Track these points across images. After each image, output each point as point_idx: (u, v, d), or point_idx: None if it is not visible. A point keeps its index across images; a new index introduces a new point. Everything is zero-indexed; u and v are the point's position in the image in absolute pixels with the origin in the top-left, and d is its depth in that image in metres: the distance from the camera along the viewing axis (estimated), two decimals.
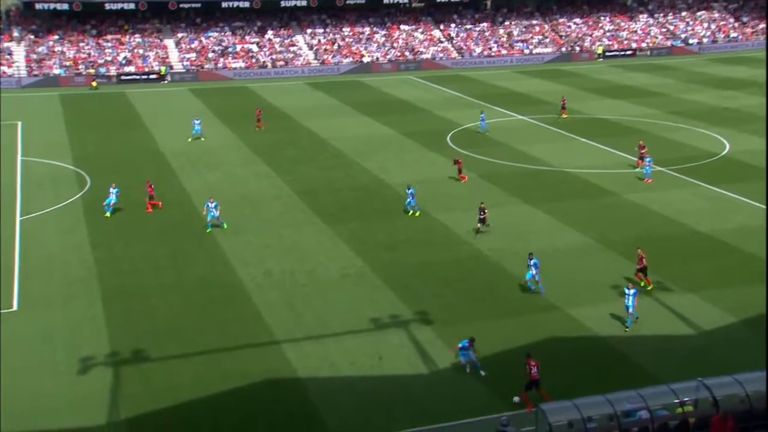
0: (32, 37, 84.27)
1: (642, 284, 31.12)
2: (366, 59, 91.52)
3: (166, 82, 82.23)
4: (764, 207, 39.61)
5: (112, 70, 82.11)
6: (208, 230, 37.35)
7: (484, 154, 51.52)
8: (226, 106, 68.74)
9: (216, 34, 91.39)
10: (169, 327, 28.51)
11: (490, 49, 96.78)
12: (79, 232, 37.66)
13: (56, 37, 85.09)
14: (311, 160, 51.25)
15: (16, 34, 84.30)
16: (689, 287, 31.43)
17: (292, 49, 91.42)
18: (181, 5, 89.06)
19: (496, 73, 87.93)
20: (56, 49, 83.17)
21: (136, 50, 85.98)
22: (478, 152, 52.09)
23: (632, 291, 27.88)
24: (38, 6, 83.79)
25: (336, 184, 45.77)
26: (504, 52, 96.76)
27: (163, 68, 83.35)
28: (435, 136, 56.67)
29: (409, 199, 39.94)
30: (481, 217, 36.94)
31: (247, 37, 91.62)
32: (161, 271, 33.34)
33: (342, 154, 52.23)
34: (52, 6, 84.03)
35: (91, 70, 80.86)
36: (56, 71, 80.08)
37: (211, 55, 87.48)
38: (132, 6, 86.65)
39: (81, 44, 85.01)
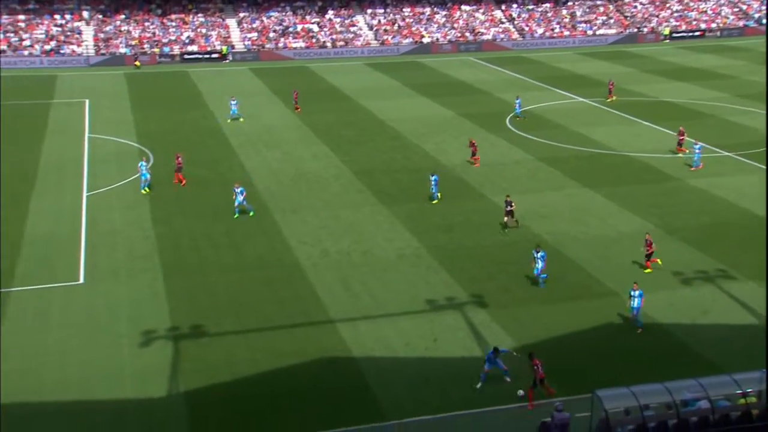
0: (100, 16, 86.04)
1: (647, 271, 30.84)
2: (426, 40, 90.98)
3: (227, 61, 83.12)
4: None
5: (176, 49, 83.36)
6: (235, 216, 36.87)
7: (543, 137, 50.83)
8: (285, 86, 69.17)
9: (277, 14, 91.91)
10: (227, 304, 28.97)
11: (553, 30, 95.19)
12: (142, 208, 38.47)
13: (123, 16, 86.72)
14: (369, 140, 51.29)
15: (85, 14, 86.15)
16: (753, 275, 30.57)
17: (352, 29, 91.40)
18: None
19: (557, 55, 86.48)
20: (122, 29, 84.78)
21: (199, 30, 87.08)
22: (538, 135, 51.42)
23: (637, 292, 26.69)
24: None
25: (394, 165, 45.74)
26: (566, 33, 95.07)
27: (224, 48, 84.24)
28: (494, 118, 56.11)
29: (432, 186, 39.34)
30: (508, 210, 35.25)
31: (307, 17, 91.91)
32: (220, 248, 33.86)
33: (400, 136, 52.13)
34: None
35: (156, 50, 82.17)
36: (122, 50, 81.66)
37: (271, 34, 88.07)
38: None
39: (146, 24, 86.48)
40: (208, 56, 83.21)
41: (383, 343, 26.35)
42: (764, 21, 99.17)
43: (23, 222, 36.32)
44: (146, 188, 40.71)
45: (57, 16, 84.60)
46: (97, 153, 47.56)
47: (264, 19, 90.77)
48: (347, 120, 56.81)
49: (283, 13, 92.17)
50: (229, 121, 55.68)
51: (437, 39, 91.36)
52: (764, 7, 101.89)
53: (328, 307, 28.63)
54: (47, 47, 79.92)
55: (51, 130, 53.36)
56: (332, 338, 26.62)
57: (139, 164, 41.87)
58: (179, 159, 42.47)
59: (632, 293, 26.74)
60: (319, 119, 56.68)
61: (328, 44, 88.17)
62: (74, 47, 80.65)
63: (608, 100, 61.28)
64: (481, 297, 29.24)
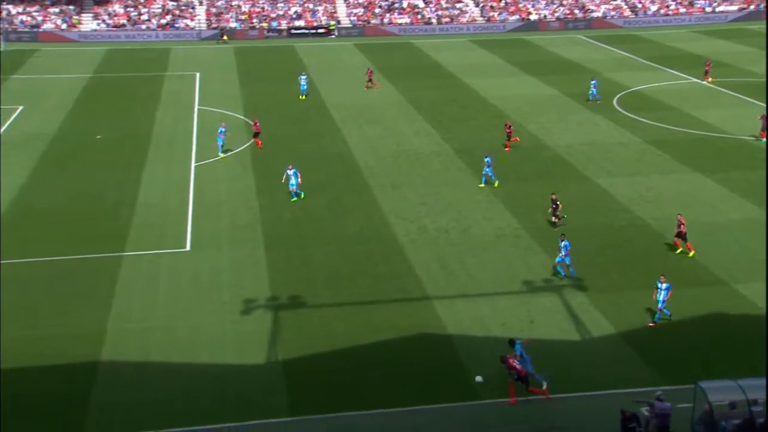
0: None
1: (678, 251, 30.02)
2: (533, 17, 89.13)
3: (333, 36, 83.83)
4: None
5: (283, 24, 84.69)
6: (293, 200, 36.48)
7: (653, 119, 49.10)
8: (389, 62, 69.24)
9: None
10: (325, 276, 29.45)
11: (668, 7, 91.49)
12: (247, 180, 39.44)
13: None
14: (471, 118, 50.82)
15: None
16: None
17: (458, 5, 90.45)
18: None
19: (672, 33, 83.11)
20: (233, 3, 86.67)
21: (306, 5, 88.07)
22: (648, 117, 49.70)
23: (665, 285, 25.41)
24: None
25: (495, 143, 45.18)
26: (682, 10, 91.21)
27: (331, 23, 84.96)
28: (601, 98, 54.53)
29: (486, 169, 38.27)
30: (554, 207, 33.32)
31: None
32: (320, 221, 34.38)
33: (503, 114, 51.40)
34: None
35: (264, 24, 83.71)
36: (232, 24, 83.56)
37: (377, 10, 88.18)
38: None
39: None
40: (314, 31, 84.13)
41: (479, 322, 26.25)
42: None
43: (136, 189, 37.88)
44: (222, 153, 42.36)
45: None
46: (206, 125, 48.98)
47: None
48: (450, 97, 56.43)
49: None
50: (301, 97, 55.96)
51: (545, 16, 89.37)
52: None
53: (425, 284, 28.69)
54: (163, 21, 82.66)
55: (164, 101, 55.28)
56: (428, 315, 26.69)
57: (218, 129, 43.53)
58: (257, 124, 44.54)
59: (659, 285, 25.60)
60: (421, 96, 56.52)
61: (434, 20, 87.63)
62: (188, 21, 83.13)
63: (705, 81, 58.49)
64: (580, 280, 28.68)
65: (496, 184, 38.20)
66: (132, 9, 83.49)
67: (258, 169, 41.14)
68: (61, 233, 32.84)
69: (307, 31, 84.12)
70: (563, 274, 29.04)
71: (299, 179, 36.40)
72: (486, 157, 38.66)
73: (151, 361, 24.00)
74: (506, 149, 43.62)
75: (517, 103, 53.71)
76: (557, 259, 29.19)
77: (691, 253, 30.32)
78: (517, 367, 22.01)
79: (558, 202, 33.38)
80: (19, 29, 78.93)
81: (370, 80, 58.86)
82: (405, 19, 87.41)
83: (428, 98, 55.85)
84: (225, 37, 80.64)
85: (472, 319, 26.43)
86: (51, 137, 46.34)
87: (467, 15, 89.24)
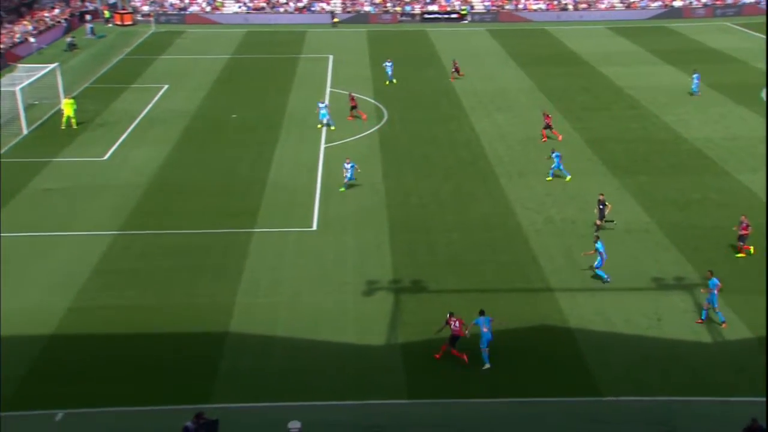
0: None
1: (738, 255, 28.65)
2: (677, 3, 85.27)
3: (466, 22, 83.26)
4: None
5: (417, 9, 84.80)
6: (341, 189, 35.92)
7: None
8: (522, 49, 68.12)
9: None
10: (448, 262, 29.47)
11: None
12: (374, 163, 39.91)
13: None
14: (604, 108, 49.32)
15: None
16: None
17: None
18: None
19: None
20: None
21: None
22: None
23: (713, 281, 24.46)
24: None
25: (628, 135, 43.70)
26: None
27: (464, 8, 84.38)
28: (747, 90, 51.66)
29: (555, 163, 36.80)
30: (600, 208, 31.37)
31: None
32: (445, 207, 34.38)
33: (638, 104, 49.60)
34: None
35: (398, 8, 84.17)
36: (367, 8, 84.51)
37: None
38: None
39: None
40: (447, 16, 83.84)
41: (602, 316, 25.59)
42: None
43: (268, 168, 39.09)
44: (322, 124, 45.19)
45: None
46: (337, 107, 49.82)
47: None
48: (582, 86, 54.96)
49: None
50: (387, 83, 55.61)
51: (690, 2, 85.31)
52: None
53: (548, 275, 28.21)
54: (299, 5, 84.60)
55: (297, 83, 56.67)
56: (550, 306, 26.26)
57: (318, 103, 46.04)
58: (353, 99, 46.59)
59: (711, 285, 24.53)
60: (553, 84, 55.32)
61: (570, 7, 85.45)
62: (323, 5, 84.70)
63: None
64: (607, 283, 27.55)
65: (568, 179, 37.03)
66: None
67: (385, 152, 41.53)
68: (197, 208, 34.38)
69: (440, 16, 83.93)
70: (606, 278, 27.65)
71: (355, 171, 35.88)
72: (553, 152, 37.48)
73: (276, 335, 24.81)
74: (542, 140, 42.42)
75: (654, 94, 51.65)
76: (596, 265, 27.67)
77: (752, 252, 29.11)
78: (454, 327, 22.87)
79: (606, 203, 31.56)
80: (169, 12, 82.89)
81: (456, 71, 57.42)
82: (540, 5, 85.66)
83: (560, 86, 54.60)
84: (335, 20, 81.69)
85: (595, 312, 25.79)
86: (191, 115, 48.48)
87: (606, 1, 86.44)
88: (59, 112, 45.55)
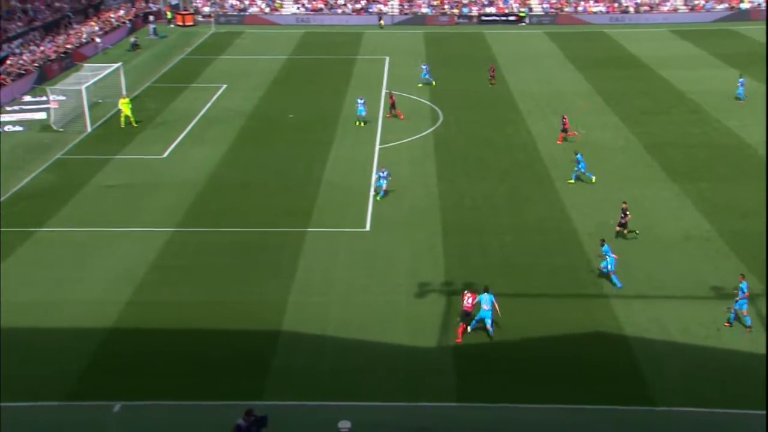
0: None
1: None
2: (744, 5, 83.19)
3: (524, 24, 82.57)
4: None
5: (474, 11, 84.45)
6: (378, 197, 35.28)
7: None
8: (580, 51, 67.29)
9: None
10: (500, 265, 29.30)
11: None
12: (428, 165, 39.88)
13: None
14: (664, 112, 48.40)
15: None
16: None
17: None
18: None
19: None
20: None
21: None
22: None
23: (744, 283, 24.35)
24: None
25: (689, 140, 42.83)
26: None
27: (522, 11, 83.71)
28: (747, 99, 49.99)
29: (581, 164, 36.53)
30: (622, 220, 30.78)
31: None
32: (499, 210, 34.18)
33: (700, 109, 48.56)
34: None
35: (455, 10, 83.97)
36: (424, 10, 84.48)
37: None
38: None
39: None
40: (504, 18, 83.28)
41: (658, 324, 25.13)
42: None
43: (323, 168, 39.38)
44: (361, 122, 46.13)
45: None
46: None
47: None
48: (642, 89, 54.04)
49: None
50: (420, 85, 55.15)
51: (758, 4, 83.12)
52: None
53: (603, 281, 27.80)
54: (357, 6, 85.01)
55: (353, 84, 56.95)
56: (604, 312, 25.90)
57: (357, 99, 46.79)
58: (393, 98, 47.28)
59: (742, 289, 24.31)
60: (611, 87, 54.53)
61: (631, 9, 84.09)
62: (381, 6, 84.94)
63: None
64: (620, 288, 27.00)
65: (593, 180, 36.74)
66: None
67: (440, 154, 41.47)
68: (252, 206, 34.82)
69: (497, 18, 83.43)
70: (619, 284, 27.23)
71: (388, 179, 35.55)
72: (577, 153, 37.22)
73: (327, 334, 24.98)
74: (558, 142, 42.23)
75: (718, 98, 50.50)
76: (603, 266, 27.54)
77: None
78: (466, 303, 24.06)
79: (627, 212, 30.87)
80: (229, 13, 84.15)
81: (493, 77, 56.06)
82: (600, 8, 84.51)
83: (618, 90, 53.79)
84: (381, 22, 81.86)
85: (651, 320, 25.34)
86: (248, 114, 49.13)
87: (669, 3, 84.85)
88: (120, 111, 46.62)
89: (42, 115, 47.42)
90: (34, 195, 36.28)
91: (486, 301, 24.16)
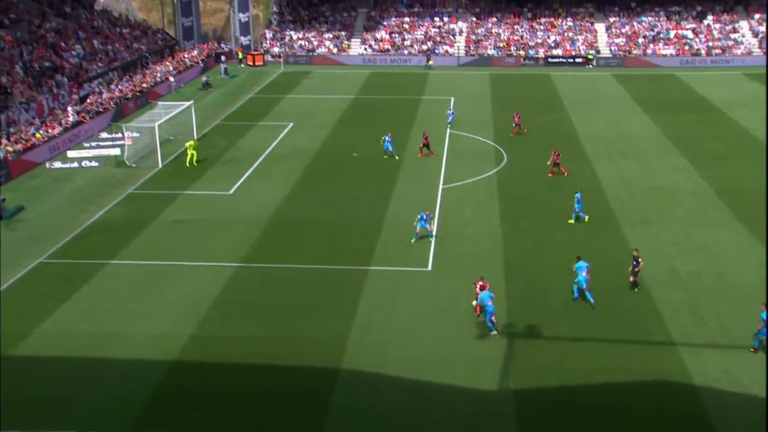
0: (474, 19, 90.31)
1: None
2: None
3: (591, 66, 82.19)
4: None
5: (540, 53, 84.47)
6: (412, 240, 34.82)
7: None
8: (649, 94, 66.53)
9: (650, 18, 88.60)
10: (563, 309, 28.87)
11: None
12: (492, 205, 39.76)
13: (494, 19, 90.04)
14: (737, 157, 47.37)
15: (461, 17, 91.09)
16: None
17: (733, 36, 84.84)
18: None
19: None
20: (493, 31, 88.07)
21: (566, 33, 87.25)
22: None
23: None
24: None
25: (763, 185, 41.69)
26: None
27: (590, 53, 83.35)
28: None
29: (576, 205, 36.57)
30: (635, 269, 29.73)
31: (683, 23, 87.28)
32: (563, 252, 33.75)
33: None
34: None
35: (522, 52, 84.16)
36: (490, 51, 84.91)
37: (640, 40, 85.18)
38: None
39: (515, 27, 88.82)
40: (571, 60, 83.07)
41: (730, 375, 24.32)
42: None
43: (386, 207, 39.63)
44: (388, 155, 47.39)
45: (436, 18, 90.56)
46: (456, 148, 50.09)
47: (635, 23, 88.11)
48: (713, 133, 53.03)
49: (656, 19, 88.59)
50: (449, 130, 54.40)
51: None
52: None
53: (670, 328, 27.13)
54: (424, 47, 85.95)
55: (418, 123, 57.36)
56: (671, 361, 25.21)
57: (384, 136, 47.69)
58: (426, 138, 48.07)
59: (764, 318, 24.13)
60: (681, 131, 53.66)
61: (703, 52, 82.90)
62: (447, 47, 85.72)
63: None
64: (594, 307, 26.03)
65: (586, 220, 36.62)
66: (397, 35, 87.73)
67: (503, 194, 41.34)
68: (315, 243, 35.20)
69: (564, 60, 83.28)
70: (587, 299, 28.44)
71: (430, 222, 35.57)
72: (577, 193, 37.17)
73: (386, 374, 24.92)
74: (550, 175, 43.10)
75: None
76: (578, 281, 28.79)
77: None
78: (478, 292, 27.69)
79: (639, 260, 29.83)
80: (297, 53, 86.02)
81: (518, 125, 53.61)
82: (670, 51, 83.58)
83: (688, 133, 52.90)
84: (430, 62, 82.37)
85: (722, 371, 24.55)
86: (314, 152, 49.90)
87: (743, 46, 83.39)
88: (186, 151, 47.81)
89: (117, 151, 49.08)
90: (106, 228, 37.42)
91: (488, 297, 27.04)
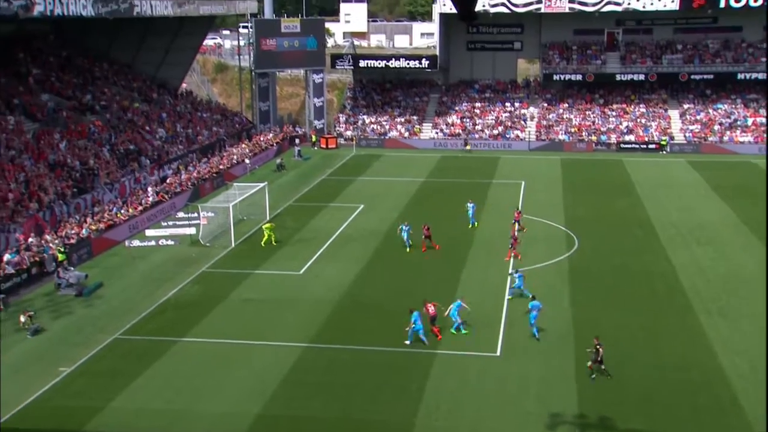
0: (545, 105, 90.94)
1: None
2: None
3: (664, 153, 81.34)
4: None
5: (612, 138, 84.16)
6: (407, 341, 33.19)
7: None
8: (726, 181, 65.28)
9: (726, 106, 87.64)
10: (637, 400, 27.93)
11: None
12: (562, 292, 39.18)
13: (566, 105, 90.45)
14: None
15: (532, 103, 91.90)
16: None
17: None
18: (692, 76, 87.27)
19: None
20: (564, 116, 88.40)
21: (639, 120, 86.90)
22: None
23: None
24: (555, 77, 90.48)
25: None
26: None
27: (664, 139, 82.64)
28: None
29: (517, 283, 37.69)
30: (596, 356, 29.38)
31: (761, 110, 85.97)
32: (636, 341, 32.89)
33: None
34: (567, 77, 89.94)
35: (593, 137, 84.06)
36: (561, 137, 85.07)
37: (716, 127, 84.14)
38: (641, 77, 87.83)
39: (587, 112, 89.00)
40: (644, 146, 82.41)
41: None
42: None
43: (453, 290, 39.41)
44: (408, 246, 46.56)
45: (507, 104, 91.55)
46: (527, 232, 49.81)
47: (710, 111, 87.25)
48: None
49: (733, 106, 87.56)
50: (470, 226, 51.70)
51: None
52: None
53: (753, 423, 25.90)
54: (494, 132, 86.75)
55: (487, 207, 57.43)
56: None
57: (400, 227, 46.98)
58: (427, 229, 46.56)
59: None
60: (760, 218, 52.20)
61: None
62: (518, 132, 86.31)
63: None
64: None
65: (531, 297, 36.29)
66: (468, 120, 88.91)
67: (575, 280, 40.75)
68: (383, 325, 35.16)
69: (637, 146, 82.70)
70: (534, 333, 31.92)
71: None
72: (517, 272, 38.07)
73: None
74: (506, 259, 44.00)
75: None
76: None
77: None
78: (430, 311, 33.24)
79: (599, 347, 29.44)
80: (369, 136, 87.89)
81: (517, 221, 50.27)
82: (748, 138, 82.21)
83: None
84: (468, 146, 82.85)
85: None
86: (383, 234, 50.32)
87: None
88: (261, 230, 48.86)
89: (192, 231, 50.50)
90: (179, 306, 38.26)
91: (455, 307, 33.57)
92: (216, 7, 79.59)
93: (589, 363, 29.81)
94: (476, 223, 47.23)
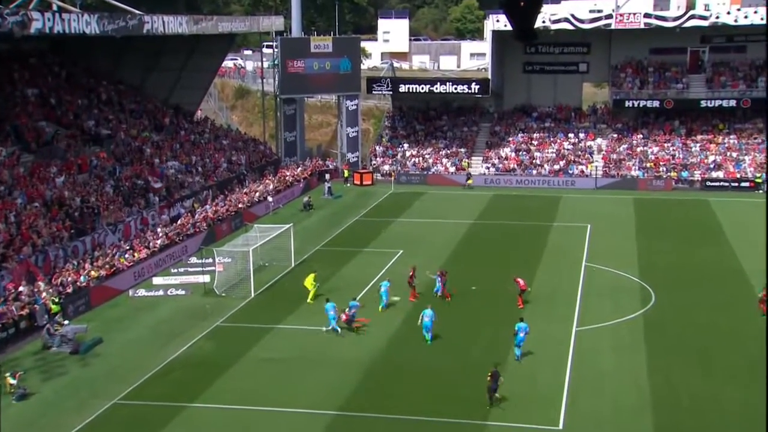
0: (615, 135, 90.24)
1: None
2: None
3: (760, 192, 79.77)
4: None
5: (696, 175, 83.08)
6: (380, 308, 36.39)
7: None
8: None
9: None
10: None
11: None
12: (637, 353, 38.48)
13: (640, 136, 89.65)
14: None
15: (600, 133, 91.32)
16: None
17: None
18: None
19: None
20: (638, 149, 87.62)
21: (728, 153, 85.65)
22: None
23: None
24: (627, 103, 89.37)
25: None
26: None
27: (759, 176, 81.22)
28: None
29: (517, 336, 37.75)
30: (492, 384, 32.72)
31: None
32: (729, 417, 32.04)
33: None
34: (642, 103, 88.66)
35: (673, 174, 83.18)
36: (634, 172, 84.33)
37: None
38: (732, 103, 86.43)
39: (666, 144, 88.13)
40: (735, 184, 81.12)
41: None
42: None
43: (508, 350, 38.86)
44: (381, 308, 45.39)
45: (571, 135, 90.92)
46: (593, 284, 49.18)
47: None
48: None
49: None
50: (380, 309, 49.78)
51: None
52: None
53: None
54: (555, 167, 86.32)
55: (547, 254, 56.93)
56: None
57: (380, 284, 46.11)
58: (413, 274, 47.50)
59: None
60: None
61: None
62: (582, 167, 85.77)
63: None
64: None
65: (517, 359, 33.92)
66: (524, 153, 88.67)
67: (651, 341, 40.00)
68: (420, 391, 34.76)
69: (726, 184, 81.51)
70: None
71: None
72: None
73: None
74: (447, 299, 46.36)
75: None
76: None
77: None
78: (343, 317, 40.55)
79: (499, 376, 33.04)
80: (410, 171, 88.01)
81: (516, 281, 47.29)
82: None
83: None
84: (470, 181, 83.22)
85: None
86: (426, 284, 49.85)
87: None
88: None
89: (206, 279, 50.67)
90: (189, 365, 38.29)
91: (429, 315, 38.84)
92: (237, 24, 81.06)
93: (488, 394, 32.78)
94: (380, 309, 45.16)
